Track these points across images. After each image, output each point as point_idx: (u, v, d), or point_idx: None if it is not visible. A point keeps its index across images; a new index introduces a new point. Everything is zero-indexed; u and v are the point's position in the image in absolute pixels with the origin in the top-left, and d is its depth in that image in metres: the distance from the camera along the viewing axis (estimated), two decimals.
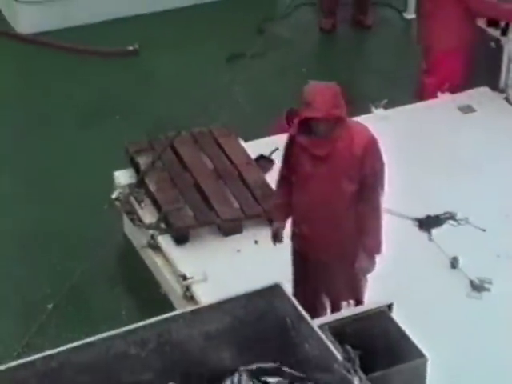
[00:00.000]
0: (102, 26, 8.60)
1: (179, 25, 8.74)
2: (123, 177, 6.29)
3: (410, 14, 8.85)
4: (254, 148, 6.48)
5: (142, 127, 7.21)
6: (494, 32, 7.04)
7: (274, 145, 6.47)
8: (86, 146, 7.20)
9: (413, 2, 8.84)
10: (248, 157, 6.38)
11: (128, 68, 8.20)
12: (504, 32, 6.90)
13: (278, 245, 5.11)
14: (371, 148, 4.75)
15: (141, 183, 6.16)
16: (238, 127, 6.76)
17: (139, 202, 6.09)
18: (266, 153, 6.47)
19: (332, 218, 4.83)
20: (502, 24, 6.95)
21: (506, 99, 7.00)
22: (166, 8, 8.85)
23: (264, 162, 6.43)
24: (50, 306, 5.78)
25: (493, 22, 7.07)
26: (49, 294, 5.95)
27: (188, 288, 5.53)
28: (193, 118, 7.15)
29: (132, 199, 6.12)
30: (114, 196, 6.16)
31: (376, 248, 4.86)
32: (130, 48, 8.38)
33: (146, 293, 5.99)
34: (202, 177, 6.18)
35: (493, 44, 7.05)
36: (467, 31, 6.75)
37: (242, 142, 6.55)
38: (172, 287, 5.75)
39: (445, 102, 7.10)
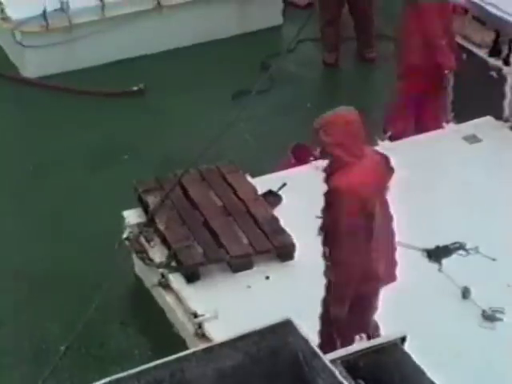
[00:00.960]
0: (106, 67, 8.70)
1: (183, 64, 8.83)
2: (132, 216, 6.31)
3: None
4: (261, 184, 6.51)
5: (150, 166, 7.28)
6: (496, 62, 7.10)
7: (281, 180, 6.51)
8: (95, 187, 7.25)
9: None
10: (256, 193, 6.41)
11: (134, 108, 8.27)
12: (506, 62, 6.95)
13: (288, 280, 5.08)
14: (334, 196, 4.66)
15: (150, 222, 6.18)
16: (245, 163, 6.80)
17: (149, 241, 6.11)
18: (273, 188, 6.50)
19: None
20: (504, 54, 7.01)
21: (511, 128, 7.03)
22: (169, 48, 8.96)
23: (272, 197, 6.45)
24: (62, 348, 5.77)
25: (494, 52, 7.13)
26: (61, 335, 5.95)
27: (200, 326, 5.54)
28: (200, 155, 7.20)
29: (142, 238, 6.14)
30: (123, 236, 6.19)
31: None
32: (135, 88, 8.47)
33: (159, 332, 5.99)
34: (211, 214, 6.20)
35: (495, 74, 7.11)
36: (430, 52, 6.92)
37: (250, 178, 6.58)
38: (184, 325, 5.75)
39: (450, 133, 7.15)
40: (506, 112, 7.06)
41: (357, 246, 4.68)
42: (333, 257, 4.77)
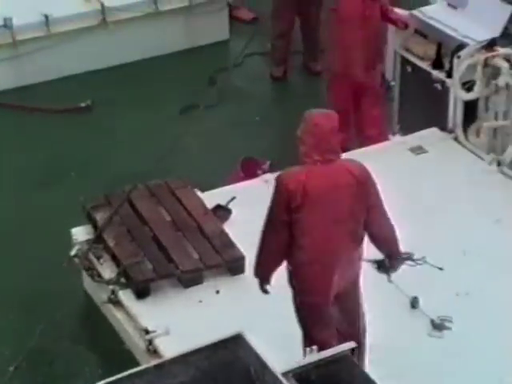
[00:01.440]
0: (53, 83, 8.65)
1: (131, 79, 8.82)
2: (81, 233, 6.27)
3: None
4: (210, 198, 6.51)
5: (99, 183, 7.24)
6: (440, 74, 7.21)
7: (230, 194, 6.52)
8: (43, 205, 7.19)
9: None
10: (205, 207, 6.41)
11: (82, 125, 8.23)
12: (449, 74, 7.07)
13: (239, 294, 5.11)
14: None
15: (99, 239, 6.15)
16: (194, 178, 6.80)
17: (98, 258, 6.08)
18: (223, 202, 6.51)
19: None
20: (447, 66, 7.13)
21: (455, 139, 7.15)
22: (116, 63, 8.94)
23: (221, 211, 6.46)
24: (11, 369, 5.70)
25: (437, 65, 7.25)
26: (10, 356, 5.88)
27: (151, 342, 5.51)
28: (149, 171, 7.19)
29: (91, 255, 6.10)
30: (72, 253, 6.14)
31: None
32: (83, 105, 8.43)
33: (109, 349, 5.95)
34: (160, 229, 6.19)
35: (439, 86, 7.22)
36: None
37: (199, 193, 6.58)
38: (135, 342, 5.72)
39: (396, 145, 7.24)
40: (450, 123, 7.17)
41: (276, 236, 4.89)
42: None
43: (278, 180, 4.91)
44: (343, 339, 4.89)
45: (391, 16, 7.58)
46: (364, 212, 4.95)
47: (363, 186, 4.91)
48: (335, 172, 4.89)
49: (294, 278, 5.03)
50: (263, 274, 5.09)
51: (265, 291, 5.14)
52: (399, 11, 7.69)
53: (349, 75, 7.45)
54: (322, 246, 4.92)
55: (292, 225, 4.89)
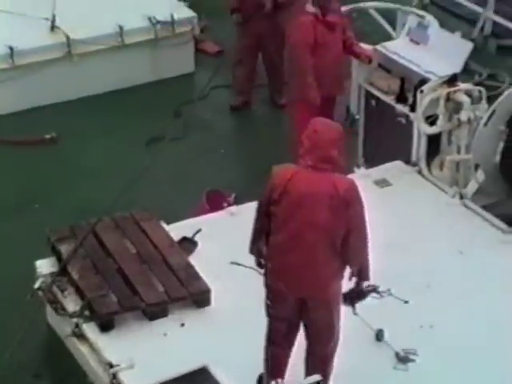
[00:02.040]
0: (18, 115, 8.61)
1: (96, 111, 8.82)
2: (45, 266, 6.23)
3: None
4: (176, 230, 6.51)
5: (64, 215, 7.20)
6: (403, 108, 7.31)
7: (196, 226, 6.52)
8: (7, 237, 7.12)
9: None
10: (171, 240, 6.40)
11: (47, 157, 8.19)
12: (412, 108, 7.16)
13: (204, 327, 5.10)
14: None
15: (63, 271, 6.10)
16: (159, 210, 6.80)
17: (62, 291, 6.03)
18: (188, 234, 6.50)
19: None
20: (410, 100, 7.23)
21: (419, 172, 7.22)
22: (81, 96, 8.94)
23: (187, 243, 6.45)
24: None
25: (401, 99, 7.35)
26: None
27: (115, 376, 5.46)
28: (114, 202, 7.16)
29: (55, 288, 6.05)
30: (36, 286, 6.09)
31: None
32: (48, 137, 8.40)
33: (73, 383, 5.88)
34: (126, 262, 6.16)
35: (402, 120, 7.31)
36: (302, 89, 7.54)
37: (165, 225, 6.58)
38: (99, 376, 5.66)
39: (361, 177, 7.27)
40: (414, 157, 7.25)
41: (260, 220, 5.19)
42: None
43: (271, 171, 5.15)
44: (311, 359, 4.92)
45: (355, 49, 7.69)
46: (342, 229, 5.03)
47: (345, 204, 4.99)
48: (320, 180, 5.02)
49: (266, 262, 5.21)
50: (256, 251, 5.29)
51: (260, 265, 5.31)
52: (363, 45, 7.80)
53: (306, 100, 7.53)
54: (293, 244, 5.04)
55: (270, 216, 5.11)
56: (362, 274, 5.19)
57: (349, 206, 4.99)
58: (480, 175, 6.88)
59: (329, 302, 5.15)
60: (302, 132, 5.24)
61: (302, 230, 5.02)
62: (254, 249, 5.30)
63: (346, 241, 5.04)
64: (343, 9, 8.56)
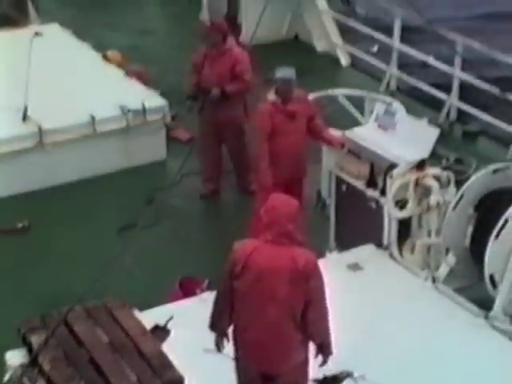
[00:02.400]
0: None
1: (68, 200, 8.83)
2: (15, 357, 6.12)
3: None
4: (149, 318, 6.45)
5: (35, 305, 7.13)
6: (373, 193, 7.39)
7: (169, 313, 6.48)
8: None
9: None
10: (143, 328, 6.33)
11: (18, 245, 8.16)
12: (383, 192, 7.25)
13: None
14: None
15: (34, 362, 6.00)
16: (132, 297, 6.74)
17: (33, 383, 5.92)
18: (161, 322, 6.45)
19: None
20: (380, 185, 7.32)
21: (391, 256, 7.26)
22: (53, 184, 8.97)
23: (160, 331, 6.40)
24: None
25: (371, 184, 7.44)
26: None
27: None
28: (86, 291, 7.10)
29: (25, 380, 5.94)
30: (6, 378, 5.98)
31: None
32: (20, 225, 8.37)
33: None
34: (98, 351, 6.08)
35: (373, 204, 7.39)
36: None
37: (137, 313, 6.52)
38: None
39: (333, 261, 7.31)
40: (386, 240, 7.30)
41: (223, 296, 5.30)
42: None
43: (233, 246, 5.30)
44: None
45: (325, 136, 7.82)
46: (302, 302, 5.14)
47: (304, 277, 5.13)
48: (280, 255, 5.15)
49: (233, 339, 5.25)
50: (219, 329, 5.36)
51: (218, 347, 5.32)
52: (334, 132, 7.94)
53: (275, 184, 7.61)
54: (256, 319, 5.14)
55: (233, 291, 5.22)
56: (324, 349, 5.24)
57: (308, 280, 5.13)
58: (451, 258, 6.94)
59: (297, 381, 5.16)
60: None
61: (264, 305, 5.12)
62: (216, 327, 5.35)
63: (305, 314, 5.13)
64: (311, 96, 8.74)
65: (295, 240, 5.22)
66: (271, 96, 7.76)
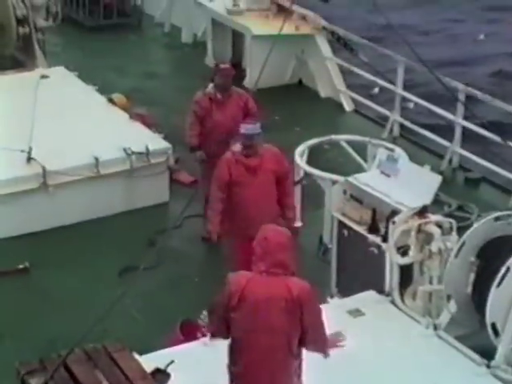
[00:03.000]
0: None
1: (70, 241, 8.84)
2: None
3: (297, 223, 9.20)
4: (149, 362, 6.42)
5: (34, 347, 7.09)
6: (375, 238, 7.39)
7: (169, 357, 6.45)
8: None
9: (298, 212, 9.22)
10: (143, 371, 6.30)
11: (18, 287, 8.15)
12: (384, 238, 7.25)
13: None
14: None
15: None
16: (132, 341, 6.72)
17: None
18: (161, 366, 6.42)
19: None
20: (382, 231, 7.32)
21: (392, 302, 7.24)
22: (56, 225, 8.97)
23: (160, 375, 6.36)
24: None
25: (373, 229, 7.44)
26: None
27: None
28: (86, 334, 7.08)
29: None
30: None
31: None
32: (20, 266, 8.37)
33: None
34: None
35: (375, 250, 7.39)
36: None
37: (137, 356, 6.49)
38: None
39: (334, 307, 7.28)
40: (387, 286, 7.28)
41: (217, 328, 5.42)
42: None
43: (227, 278, 5.38)
44: None
45: (287, 202, 7.83)
46: (298, 329, 5.26)
47: (299, 305, 5.24)
48: (274, 285, 5.26)
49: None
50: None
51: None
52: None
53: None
54: (251, 349, 5.24)
55: (230, 323, 5.29)
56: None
57: (303, 307, 5.24)
58: (452, 306, 6.91)
59: None
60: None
61: (259, 335, 5.22)
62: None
63: (304, 340, 5.29)
64: (313, 141, 8.80)
65: (288, 269, 5.34)
66: (236, 147, 7.80)
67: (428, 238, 7.06)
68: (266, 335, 5.24)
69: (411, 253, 7.10)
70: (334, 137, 9.44)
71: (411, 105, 12.45)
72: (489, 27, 20.46)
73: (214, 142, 8.85)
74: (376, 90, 13.18)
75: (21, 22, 11.75)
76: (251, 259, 5.45)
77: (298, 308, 5.25)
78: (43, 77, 10.83)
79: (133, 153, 9.47)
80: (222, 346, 5.63)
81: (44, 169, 9.01)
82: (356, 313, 7.14)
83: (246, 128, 7.74)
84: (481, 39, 19.86)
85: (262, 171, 7.73)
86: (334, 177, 8.28)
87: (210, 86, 8.99)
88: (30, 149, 9.09)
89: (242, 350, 5.31)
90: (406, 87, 11.64)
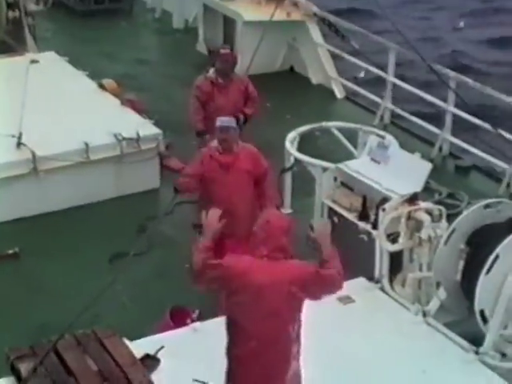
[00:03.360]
0: None
1: (60, 227, 8.82)
2: None
3: (287, 210, 9.23)
4: (139, 347, 6.43)
5: (24, 333, 7.09)
6: (365, 225, 7.41)
7: (159, 343, 6.46)
8: None
9: (288, 199, 9.25)
10: (133, 357, 6.31)
11: (8, 272, 8.13)
12: (374, 226, 7.27)
13: None
14: None
15: None
16: (122, 327, 6.74)
17: None
18: (151, 351, 6.43)
19: None
20: (372, 218, 7.34)
21: (382, 289, 7.27)
22: (46, 211, 8.95)
23: (150, 361, 6.37)
24: None
25: (364, 217, 7.45)
26: None
27: None
28: (76, 319, 7.08)
29: None
30: None
31: None
32: (10, 252, 8.35)
33: None
34: (87, 380, 6.05)
35: (365, 237, 7.40)
36: None
37: (127, 342, 6.50)
38: None
39: None
40: (377, 273, 7.31)
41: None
42: None
43: (223, 264, 5.30)
44: None
45: (264, 202, 7.52)
46: (301, 310, 5.32)
47: (303, 286, 5.26)
48: (277, 269, 5.27)
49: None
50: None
51: None
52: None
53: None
54: (256, 334, 5.24)
55: (230, 309, 5.30)
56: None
57: (307, 287, 5.28)
58: (442, 293, 6.94)
59: None
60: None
61: (264, 320, 5.22)
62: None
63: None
64: (304, 128, 8.76)
65: (288, 253, 5.36)
66: (213, 143, 7.73)
67: (418, 225, 7.08)
68: (269, 320, 5.23)
69: (401, 240, 7.12)
70: (324, 124, 9.44)
71: (362, 74, 12.53)
72: None
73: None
74: (362, 73, 13.22)
75: (11, 5, 11.70)
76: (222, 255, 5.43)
77: (302, 290, 5.26)
78: (33, 62, 10.78)
79: (123, 138, 9.45)
80: (212, 331, 5.63)
81: (34, 154, 8.98)
82: (346, 300, 7.15)
83: (221, 120, 7.65)
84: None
85: (234, 169, 7.56)
86: (325, 164, 8.28)
87: (211, 70, 9.03)
88: (20, 134, 9.06)
89: (245, 334, 5.28)
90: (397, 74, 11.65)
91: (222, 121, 7.65)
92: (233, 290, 5.28)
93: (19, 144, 9.05)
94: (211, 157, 7.62)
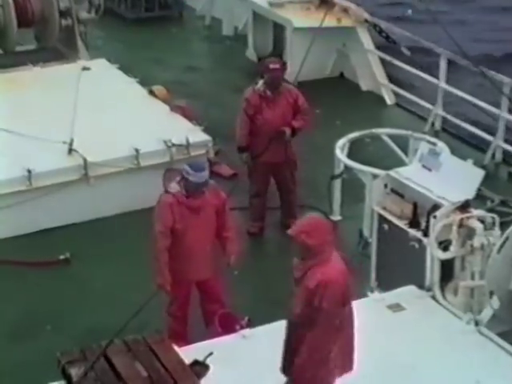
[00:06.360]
0: (33, 236, 8.67)
1: (110, 233, 8.88)
2: None
3: (336, 217, 9.19)
4: (188, 353, 6.44)
5: (75, 337, 7.15)
6: (416, 233, 7.32)
7: (208, 349, 6.46)
8: (17, 359, 7.07)
9: (337, 206, 9.22)
10: (182, 363, 6.32)
11: (59, 278, 8.21)
12: (425, 233, 7.18)
13: None
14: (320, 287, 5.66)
15: None
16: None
17: None
18: (200, 357, 6.43)
19: None
20: (423, 225, 7.25)
21: (433, 297, 7.17)
22: (96, 217, 9.03)
23: (199, 367, 6.37)
24: None
25: (414, 224, 7.38)
26: None
27: None
28: (126, 325, 7.11)
29: None
30: None
31: None
32: (61, 257, 8.43)
33: None
34: None
35: (416, 244, 7.32)
36: None
37: (176, 348, 6.51)
38: None
39: (374, 301, 7.24)
40: (428, 281, 7.22)
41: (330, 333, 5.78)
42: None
43: (329, 280, 5.70)
44: None
45: (225, 235, 7.34)
46: None
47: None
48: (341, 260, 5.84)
49: None
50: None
51: None
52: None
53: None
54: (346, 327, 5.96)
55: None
56: None
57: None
58: (495, 302, 6.83)
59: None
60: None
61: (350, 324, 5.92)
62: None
63: None
64: (341, 141, 8.70)
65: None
66: (174, 187, 7.16)
67: (470, 233, 6.98)
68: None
69: (452, 248, 7.02)
70: (375, 130, 9.38)
71: (409, 11, 12.32)
72: None
73: (263, 140, 8.83)
74: (410, 11, 13.00)
75: (63, 14, 11.85)
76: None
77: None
78: (85, 69, 10.90)
79: (173, 145, 9.49)
80: (261, 338, 5.61)
81: (85, 160, 9.07)
82: (396, 307, 7.09)
83: (198, 177, 7.06)
84: None
85: (203, 209, 7.23)
86: (375, 171, 8.22)
87: (260, 82, 8.90)
88: (72, 140, 9.16)
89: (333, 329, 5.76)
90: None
91: (199, 178, 7.09)
92: (344, 302, 5.81)
93: (70, 150, 9.14)
94: (179, 203, 7.14)
